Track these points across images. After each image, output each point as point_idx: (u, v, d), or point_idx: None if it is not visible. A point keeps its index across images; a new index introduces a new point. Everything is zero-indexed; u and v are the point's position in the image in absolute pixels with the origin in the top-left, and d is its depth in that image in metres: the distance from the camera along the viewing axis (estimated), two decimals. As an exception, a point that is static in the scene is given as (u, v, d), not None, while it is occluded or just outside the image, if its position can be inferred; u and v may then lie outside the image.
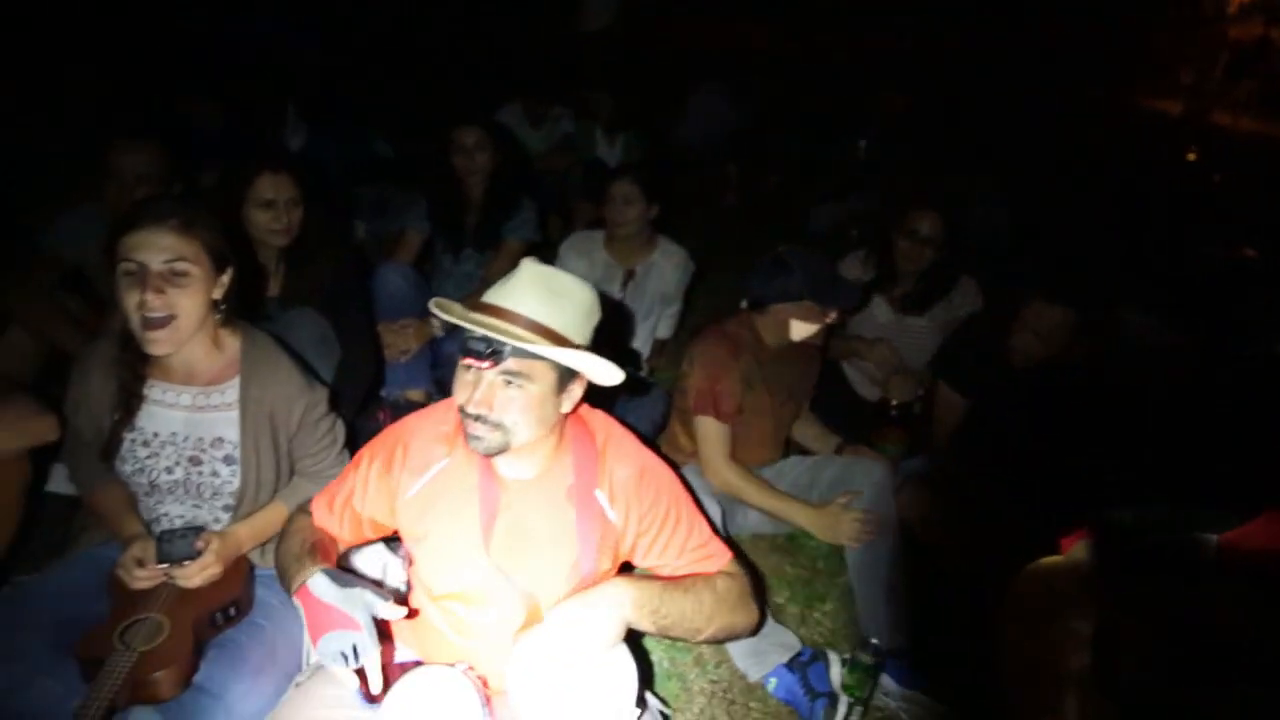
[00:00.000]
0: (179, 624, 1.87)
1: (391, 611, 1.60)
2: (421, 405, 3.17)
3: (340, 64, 6.32)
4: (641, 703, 1.66)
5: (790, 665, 2.36)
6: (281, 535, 1.84)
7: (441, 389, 3.37)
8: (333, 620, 1.55)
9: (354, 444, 2.26)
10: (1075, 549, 2.10)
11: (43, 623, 1.87)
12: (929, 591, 2.58)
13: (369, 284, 3.27)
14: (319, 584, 1.59)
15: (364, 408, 3.02)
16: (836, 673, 2.37)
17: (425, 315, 3.36)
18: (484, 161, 3.60)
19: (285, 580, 1.70)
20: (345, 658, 1.53)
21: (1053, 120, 9.54)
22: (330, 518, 1.81)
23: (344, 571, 1.67)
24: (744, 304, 2.82)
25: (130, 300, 1.85)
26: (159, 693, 1.80)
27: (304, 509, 1.86)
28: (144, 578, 1.91)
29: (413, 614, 1.85)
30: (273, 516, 2.09)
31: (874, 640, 2.28)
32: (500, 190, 3.66)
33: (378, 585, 1.69)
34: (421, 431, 1.76)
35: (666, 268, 3.61)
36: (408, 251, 3.71)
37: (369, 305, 3.17)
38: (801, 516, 2.66)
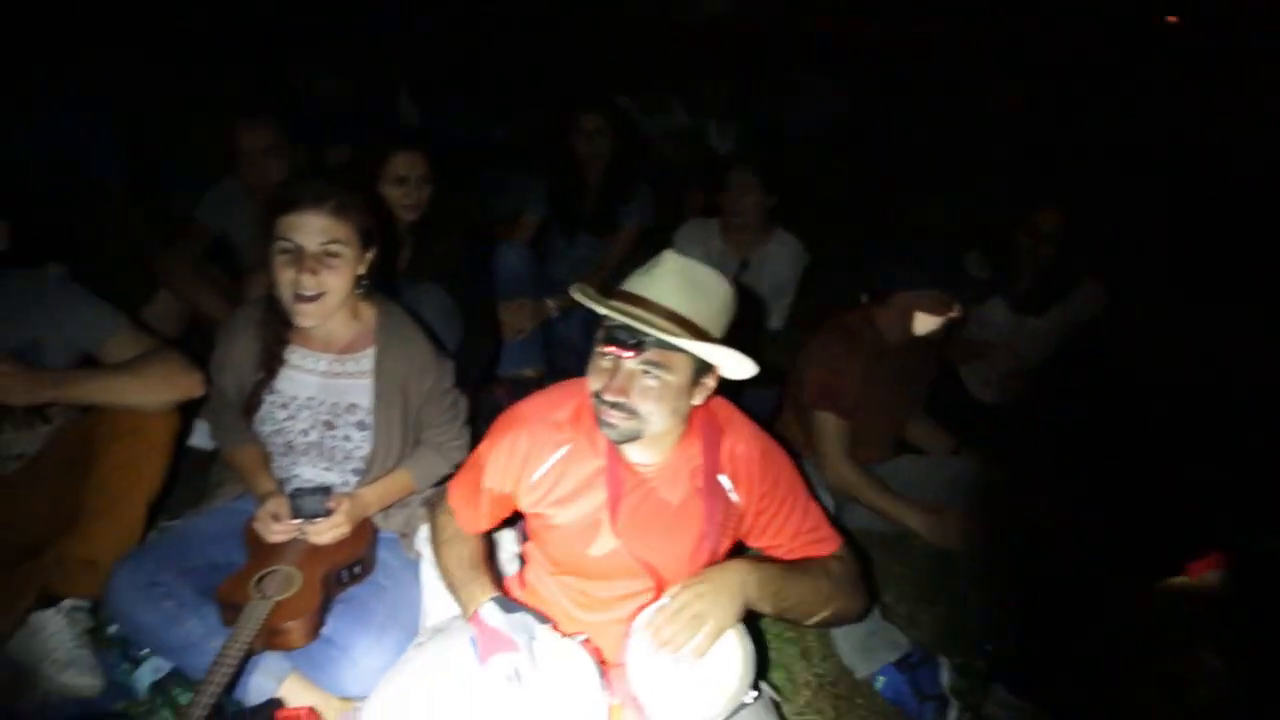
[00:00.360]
0: (309, 578, 1.97)
1: (551, 636, 1.65)
2: (535, 383, 3.24)
3: (453, 45, 6.43)
4: (755, 686, 1.66)
5: (899, 665, 2.32)
6: (436, 538, 1.89)
7: (553, 369, 3.43)
8: (499, 644, 1.62)
9: (473, 419, 2.33)
10: (1207, 576, 2.02)
11: (187, 566, 2.00)
12: (1041, 599, 2.51)
13: (489, 264, 3.34)
14: (489, 611, 1.67)
15: (482, 384, 3.09)
16: (946, 677, 2.32)
17: (541, 296, 3.43)
18: (604, 146, 3.63)
19: (456, 597, 1.78)
20: (509, 679, 1.59)
21: (1184, 118, 9.05)
22: (468, 508, 1.86)
23: (507, 598, 1.72)
24: (863, 297, 2.77)
25: (285, 276, 1.95)
26: (290, 641, 1.90)
27: (444, 506, 1.91)
28: (279, 532, 2.02)
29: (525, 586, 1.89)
30: (398, 483, 2.16)
31: (988, 647, 2.23)
32: (618, 175, 3.68)
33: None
34: (544, 415, 1.79)
35: (782, 258, 3.58)
36: (524, 233, 3.77)
37: (491, 284, 3.24)
38: (914, 519, 2.61)
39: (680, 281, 1.62)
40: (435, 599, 2.03)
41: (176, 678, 2.02)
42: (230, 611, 1.90)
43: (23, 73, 3.97)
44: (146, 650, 2.08)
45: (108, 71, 4.37)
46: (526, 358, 3.34)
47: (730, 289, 1.67)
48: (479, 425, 2.28)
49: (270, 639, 1.88)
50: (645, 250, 3.26)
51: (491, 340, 3.06)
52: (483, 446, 1.82)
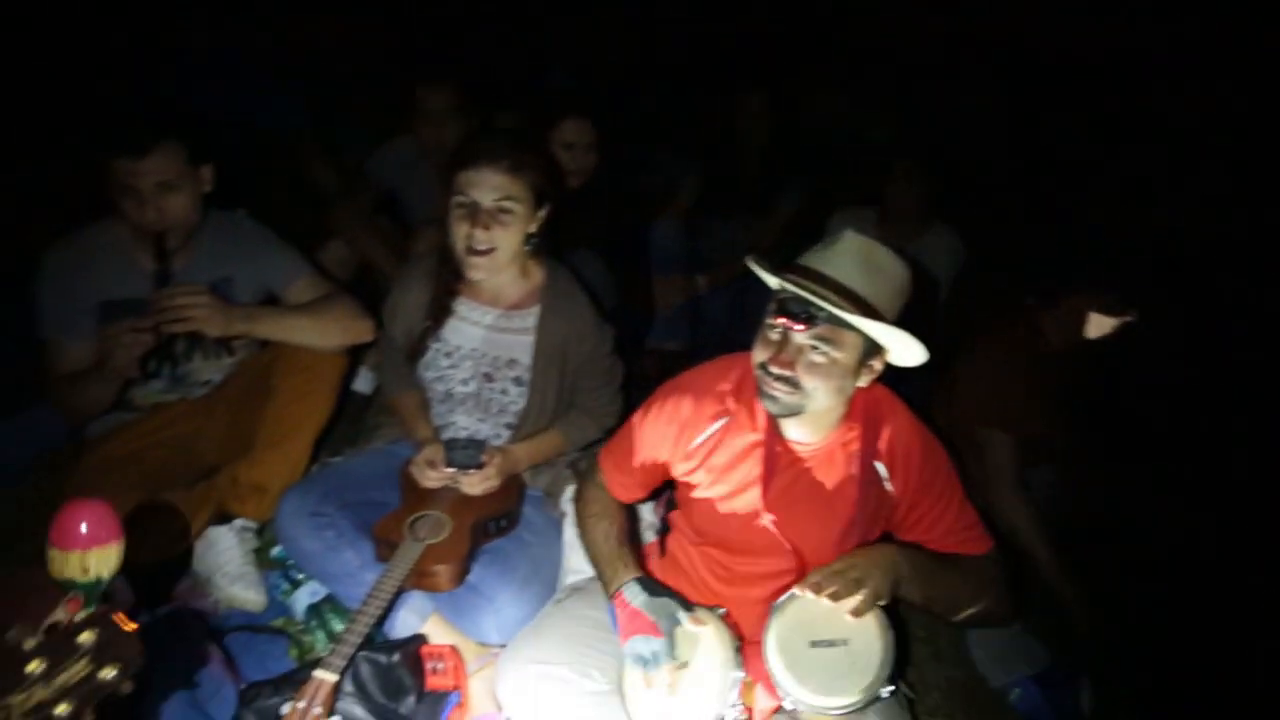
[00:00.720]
0: (459, 525, 2.04)
1: (693, 621, 1.66)
2: (679, 357, 3.25)
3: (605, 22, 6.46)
4: (892, 681, 1.63)
5: (1039, 680, 2.23)
6: (583, 510, 1.93)
7: (696, 344, 3.44)
8: (640, 626, 1.64)
9: (623, 387, 2.36)
10: None
11: (347, 501, 2.11)
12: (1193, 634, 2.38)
13: (644, 238, 3.37)
14: (632, 591, 1.70)
15: (631, 354, 3.13)
16: (1087, 700, 2.22)
17: (691, 273, 3.44)
18: (764, 129, 3.60)
19: (599, 571, 1.82)
20: (645, 662, 1.61)
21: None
22: (620, 474, 1.89)
23: (651, 579, 1.75)
24: (1029, 299, 2.64)
25: (460, 230, 2.02)
26: (438, 583, 1.98)
27: (595, 479, 1.94)
28: (433, 478, 2.10)
29: (669, 556, 1.90)
30: (549, 442, 2.22)
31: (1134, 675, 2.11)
32: (777, 158, 3.64)
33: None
34: (707, 385, 1.79)
35: (939, 250, 3.46)
36: (678, 209, 3.78)
37: (645, 257, 3.27)
38: (1067, 591, 2.46)
39: (858, 260, 1.58)
40: (576, 558, 2.08)
41: (330, 603, 2.14)
42: (384, 548, 2.00)
43: (216, 32, 4.22)
44: (304, 575, 2.21)
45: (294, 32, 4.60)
46: (673, 332, 3.36)
47: (908, 273, 1.63)
48: (627, 394, 2.31)
49: (419, 579, 1.96)
50: (798, 237, 3.22)
51: (645, 311, 3.09)
52: (640, 414, 1.84)
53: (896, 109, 5.54)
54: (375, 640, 1.94)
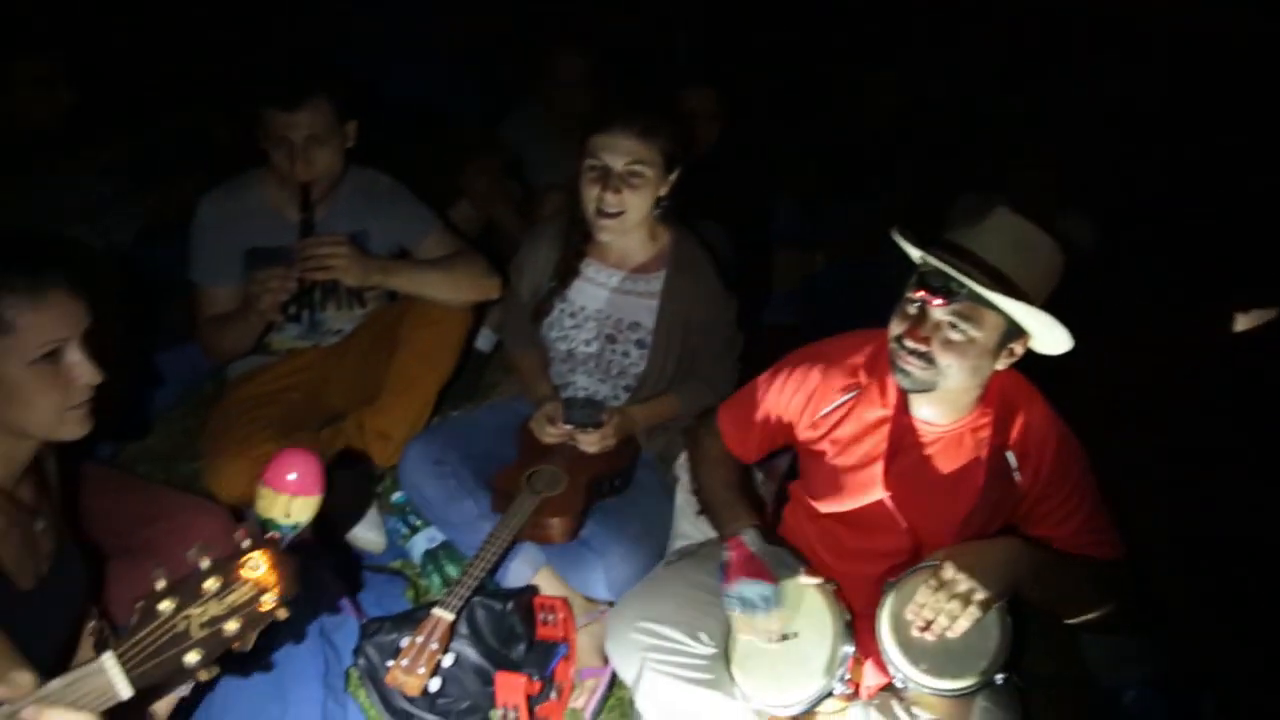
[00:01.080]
0: (575, 481, 2.07)
1: (808, 577, 1.66)
2: (792, 332, 3.22)
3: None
4: (1005, 669, 1.58)
5: (1156, 686, 2.13)
6: (699, 457, 1.94)
7: (809, 321, 3.39)
8: (754, 570, 1.65)
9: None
10: None
11: (468, 452, 2.17)
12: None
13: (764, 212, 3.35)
14: (751, 537, 1.70)
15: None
16: (1210, 712, 2.11)
17: (809, 249, 3.40)
18: (889, 105, 3.59)
19: (713, 516, 1.83)
20: (754, 605, 1.62)
21: None
22: (739, 432, 1.88)
23: (768, 530, 1.75)
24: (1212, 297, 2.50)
25: (590, 193, 2.05)
26: (551, 536, 2.02)
27: (711, 428, 1.94)
28: (552, 435, 2.14)
29: (793, 529, 1.90)
30: (666, 406, 2.23)
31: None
32: (898, 137, 3.58)
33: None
34: (840, 355, 1.77)
35: (1069, 241, 3.31)
36: (800, 185, 3.72)
37: (765, 231, 3.25)
38: None
39: (1008, 238, 1.53)
40: (686, 523, 2.09)
41: (446, 549, 2.22)
42: (501, 499, 2.05)
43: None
44: (421, 521, 2.29)
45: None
46: (788, 307, 3.32)
47: (1061, 257, 1.56)
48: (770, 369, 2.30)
49: (533, 531, 2.01)
50: (918, 218, 3.14)
51: (764, 285, 3.07)
52: (767, 376, 1.83)
53: (1030, 90, 5.29)
54: (490, 587, 2.00)
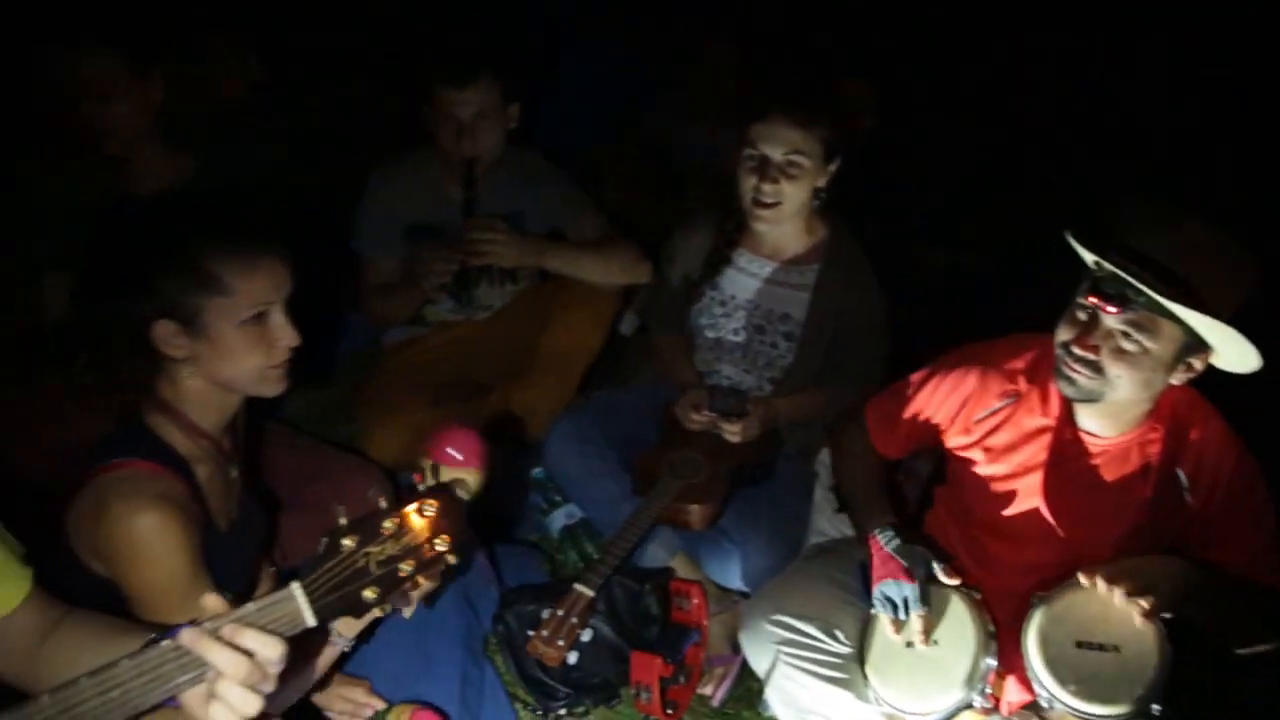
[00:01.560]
0: (716, 470, 2.08)
1: (948, 577, 1.62)
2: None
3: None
4: (1162, 699, 1.50)
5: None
6: (842, 451, 1.92)
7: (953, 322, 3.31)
8: (893, 570, 1.62)
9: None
10: None
11: (611, 433, 2.21)
12: None
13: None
14: (886, 535, 1.67)
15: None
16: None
17: (955, 248, 3.31)
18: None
19: (854, 512, 1.81)
20: (896, 606, 1.59)
21: None
22: (885, 428, 1.85)
23: (905, 528, 1.72)
24: None
25: (747, 182, 2.05)
26: (690, 522, 2.04)
27: (857, 422, 1.91)
28: (696, 421, 2.15)
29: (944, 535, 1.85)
30: (810, 401, 2.21)
31: None
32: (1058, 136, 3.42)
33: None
34: (1000, 359, 1.71)
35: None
36: (948, 183, 3.62)
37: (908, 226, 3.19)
38: None
39: (1193, 243, 1.43)
40: (824, 520, 2.07)
41: (584, 527, 2.27)
42: (642, 481, 2.08)
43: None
44: (560, 497, 2.34)
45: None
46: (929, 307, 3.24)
47: (1255, 268, 1.46)
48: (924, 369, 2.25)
49: (673, 516, 2.03)
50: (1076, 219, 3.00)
51: (903, 284, 3.00)
52: (920, 375, 1.79)
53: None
54: (625, 567, 2.03)
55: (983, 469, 1.70)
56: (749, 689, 2.03)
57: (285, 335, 1.39)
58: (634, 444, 2.19)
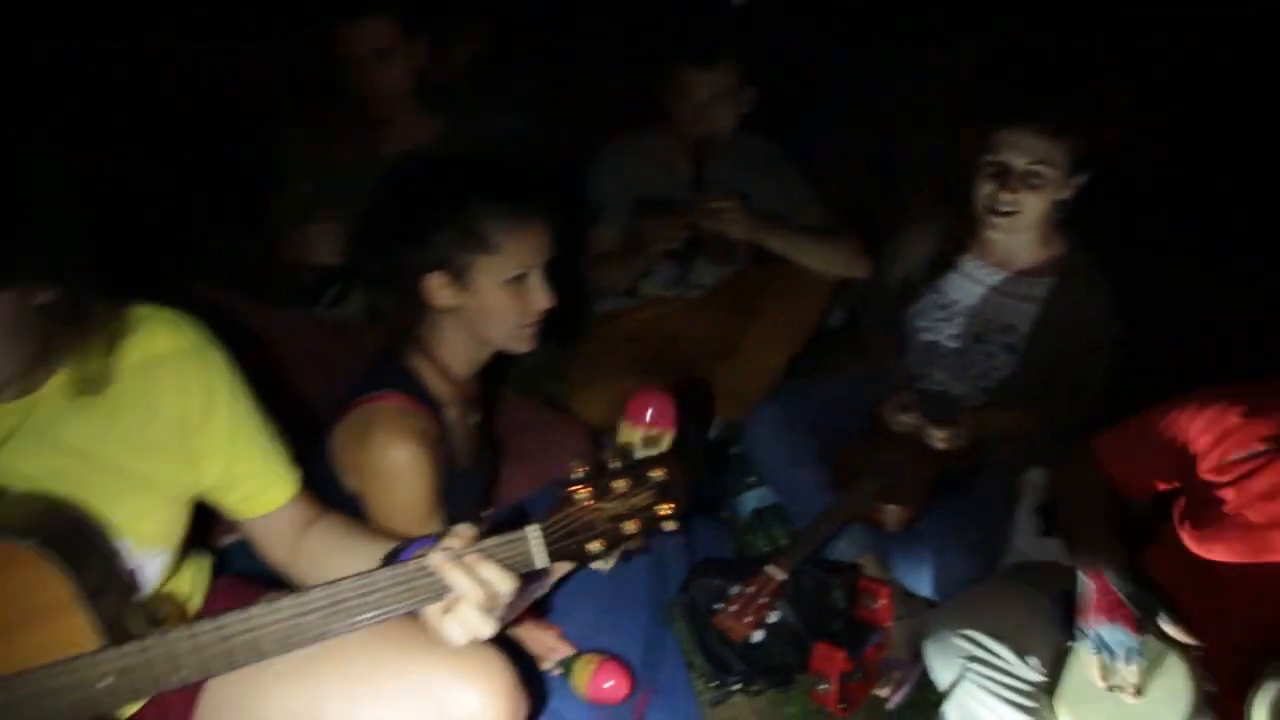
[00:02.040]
0: (918, 474, 2.05)
1: (1179, 634, 1.53)
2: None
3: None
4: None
5: None
6: (1069, 479, 1.83)
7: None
8: (1115, 613, 1.54)
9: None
10: None
11: (814, 422, 2.22)
12: None
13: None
14: (1118, 576, 1.59)
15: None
16: None
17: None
18: None
19: (1077, 543, 1.72)
20: (1113, 653, 1.52)
21: None
22: (1123, 460, 1.76)
23: (1137, 571, 1.63)
24: None
25: (984, 189, 2.00)
26: (886, 522, 2.02)
27: (1088, 453, 1.83)
28: (904, 423, 2.12)
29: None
30: (1022, 418, 2.14)
31: None
32: None
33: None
34: (1261, 403, 1.58)
35: None
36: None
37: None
38: None
39: None
40: (1024, 541, 2.00)
41: (775, 513, 2.30)
42: (842, 475, 2.08)
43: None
44: (753, 479, 2.38)
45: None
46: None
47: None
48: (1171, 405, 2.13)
49: (869, 514, 2.02)
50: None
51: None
52: (1165, 406, 1.69)
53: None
54: (817, 559, 2.05)
55: (1231, 511, 1.58)
56: (925, 699, 2.00)
57: (540, 298, 1.50)
58: (834, 436, 2.19)
